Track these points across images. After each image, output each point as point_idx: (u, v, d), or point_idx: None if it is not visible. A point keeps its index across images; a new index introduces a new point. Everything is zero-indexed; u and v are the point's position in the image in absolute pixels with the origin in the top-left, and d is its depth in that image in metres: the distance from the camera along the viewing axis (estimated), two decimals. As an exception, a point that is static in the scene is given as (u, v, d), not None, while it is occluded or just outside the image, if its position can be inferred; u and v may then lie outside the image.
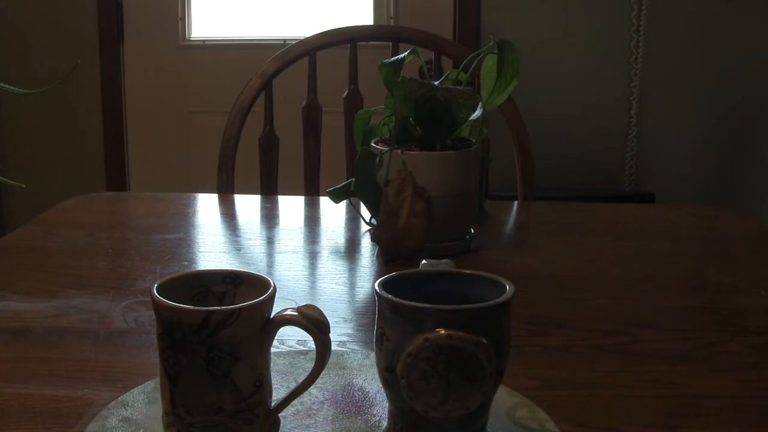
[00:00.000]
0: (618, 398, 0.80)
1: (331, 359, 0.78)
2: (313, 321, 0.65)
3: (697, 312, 1.04)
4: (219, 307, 0.62)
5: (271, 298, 0.65)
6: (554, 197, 2.66)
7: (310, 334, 0.65)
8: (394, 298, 0.62)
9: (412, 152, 1.18)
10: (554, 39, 3.14)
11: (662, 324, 0.99)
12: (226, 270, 0.70)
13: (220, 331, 0.62)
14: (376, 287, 0.64)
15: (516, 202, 1.71)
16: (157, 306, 0.64)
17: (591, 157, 3.19)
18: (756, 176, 3.17)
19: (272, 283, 0.66)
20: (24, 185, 1.09)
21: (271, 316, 0.66)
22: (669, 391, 0.81)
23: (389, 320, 0.63)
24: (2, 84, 1.03)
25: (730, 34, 3.09)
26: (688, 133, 3.16)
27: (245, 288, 0.69)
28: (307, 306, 0.66)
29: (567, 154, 3.17)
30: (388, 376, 0.63)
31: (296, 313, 0.65)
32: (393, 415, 0.66)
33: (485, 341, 0.61)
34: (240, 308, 0.63)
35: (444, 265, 0.76)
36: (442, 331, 0.60)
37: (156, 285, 0.65)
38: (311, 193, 1.83)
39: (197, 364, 0.62)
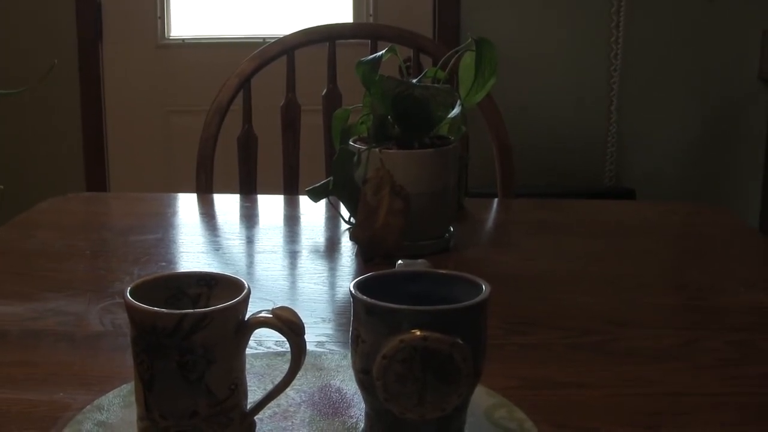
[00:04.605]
0: (598, 397, 0.80)
1: (309, 360, 0.77)
2: (287, 323, 0.64)
3: (678, 309, 1.04)
4: (192, 310, 0.62)
5: (245, 301, 0.65)
6: (534, 194, 2.67)
7: (284, 336, 0.65)
8: (369, 299, 0.62)
9: (389, 151, 1.18)
10: (534, 36, 3.14)
11: (642, 322, 0.99)
12: (201, 272, 0.69)
13: (193, 335, 0.61)
14: (351, 288, 0.64)
15: (496, 200, 1.70)
16: (130, 309, 0.63)
17: (571, 154, 3.19)
18: (736, 173, 3.18)
19: (247, 285, 0.66)
20: (2, 186, 1.08)
21: (246, 318, 0.65)
22: (650, 390, 0.81)
23: (364, 321, 0.62)
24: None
25: (711, 32, 3.09)
26: (668, 129, 3.16)
27: (220, 290, 0.68)
28: (282, 308, 0.65)
29: (547, 150, 3.17)
30: (364, 378, 0.63)
31: (270, 316, 0.65)
32: (370, 417, 0.66)
33: (461, 342, 0.60)
34: (213, 311, 0.62)
35: (420, 265, 0.76)
36: (418, 333, 0.60)
37: (129, 288, 0.65)
38: (290, 192, 1.82)
39: (171, 367, 0.62)
